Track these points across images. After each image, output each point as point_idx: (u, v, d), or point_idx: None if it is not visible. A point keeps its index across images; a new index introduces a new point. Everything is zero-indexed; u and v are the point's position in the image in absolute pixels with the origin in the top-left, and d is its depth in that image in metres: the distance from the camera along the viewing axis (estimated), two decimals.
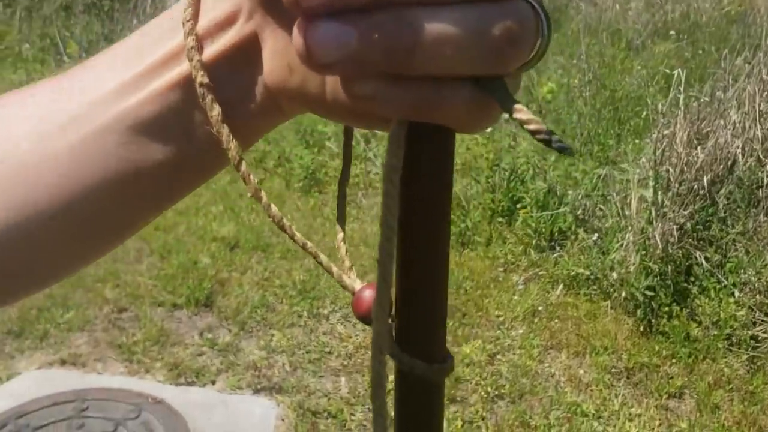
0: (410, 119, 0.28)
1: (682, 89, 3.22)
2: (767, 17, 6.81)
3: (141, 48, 0.34)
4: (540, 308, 3.01)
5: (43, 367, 2.61)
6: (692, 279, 2.96)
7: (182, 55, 0.33)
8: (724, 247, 3.00)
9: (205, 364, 2.63)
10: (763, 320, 2.76)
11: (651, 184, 3.08)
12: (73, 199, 0.35)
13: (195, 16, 0.32)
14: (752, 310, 2.79)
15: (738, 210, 3.15)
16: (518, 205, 3.58)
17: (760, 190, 3.15)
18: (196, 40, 0.32)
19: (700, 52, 6.54)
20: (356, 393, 2.49)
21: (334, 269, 0.40)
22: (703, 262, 2.93)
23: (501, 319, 2.95)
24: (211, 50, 0.32)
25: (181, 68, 0.33)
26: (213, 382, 2.54)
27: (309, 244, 0.40)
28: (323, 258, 0.40)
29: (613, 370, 2.65)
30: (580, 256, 3.25)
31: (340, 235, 0.40)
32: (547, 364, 2.68)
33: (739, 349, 2.73)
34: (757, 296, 2.83)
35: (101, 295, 3.00)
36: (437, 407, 0.37)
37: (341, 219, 0.40)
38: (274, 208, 0.36)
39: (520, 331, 2.86)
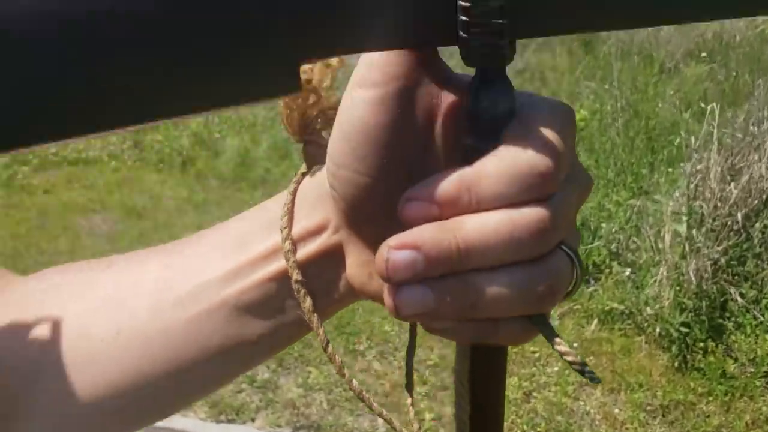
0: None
1: (716, 124, 3.23)
2: None
3: (243, 240, 0.40)
4: (575, 344, 3.03)
5: None
6: (727, 315, 2.96)
7: (279, 254, 0.38)
8: (759, 282, 2.99)
9: (244, 401, 2.68)
10: None
11: (685, 219, 3.09)
12: (179, 370, 0.40)
13: (290, 224, 0.38)
14: None
15: None
16: None
17: None
18: (292, 243, 0.37)
19: (734, 74, 6.51)
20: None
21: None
22: (738, 298, 2.93)
23: (537, 355, 2.98)
24: (303, 252, 0.38)
25: (279, 264, 0.38)
26: (253, 420, 2.60)
27: (384, 412, 0.45)
28: (396, 423, 0.45)
29: (648, 407, 2.66)
30: (615, 290, 3.26)
31: (410, 400, 0.45)
32: (582, 401, 2.70)
33: None
34: None
35: None
36: None
37: (409, 387, 0.45)
38: (355, 382, 0.41)
39: (556, 368, 2.88)
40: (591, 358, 2.95)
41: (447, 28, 0.28)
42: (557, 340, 0.32)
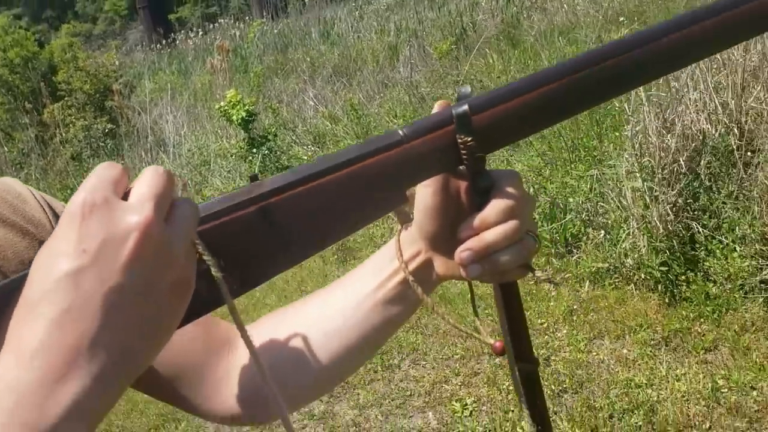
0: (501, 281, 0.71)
1: (642, 92, 3.67)
2: None
3: (378, 267, 0.76)
4: (575, 307, 3.42)
5: None
6: (697, 246, 3.37)
7: (401, 271, 0.75)
8: (716, 211, 3.41)
9: None
10: (766, 265, 3.16)
11: (638, 175, 3.51)
12: (367, 336, 0.77)
13: (401, 255, 0.75)
14: (754, 258, 3.19)
15: (720, 175, 3.57)
16: (540, 216, 4.01)
17: (734, 152, 3.57)
18: (406, 265, 0.74)
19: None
20: (443, 422, 2.89)
21: (476, 334, 0.82)
22: (702, 229, 3.35)
23: (545, 325, 3.36)
24: (412, 266, 0.75)
25: (402, 276, 0.75)
26: None
27: (456, 324, 0.82)
28: (464, 328, 0.82)
29: (652, 342, 3.04)
30: (596, 252, 3.67)
31: (477, 321, 0.82)
32: (594, 353, 3.08)
33: (753, 294, 3.12)
34: (756, 245, 3.22)
35: None
36: (540, 388, 0.77)
37: (474, 307, 0.82)
38: (437, 308, 0.79)
39: (564, 331, 3.27)
40: (592, 314, 3.34)
41: (455, 163, 0.65)
42: (537, 272, 0.70)
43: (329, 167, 0.59)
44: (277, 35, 13.37)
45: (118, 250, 0.45)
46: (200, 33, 18.18)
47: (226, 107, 5.86)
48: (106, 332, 0.45)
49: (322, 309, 0.78)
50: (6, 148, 8.23)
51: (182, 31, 21.14)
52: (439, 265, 0.72)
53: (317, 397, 0.85)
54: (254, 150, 6.02)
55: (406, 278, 0.73)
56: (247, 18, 19.72)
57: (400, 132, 0.61)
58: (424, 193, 0.67)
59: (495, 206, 0.63)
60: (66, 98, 7.69)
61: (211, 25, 19.25)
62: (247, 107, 5.82)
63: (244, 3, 33.13)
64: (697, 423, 2.52)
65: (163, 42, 18.56)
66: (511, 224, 0.63)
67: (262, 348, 0.78)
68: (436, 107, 0.63)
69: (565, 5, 10.36)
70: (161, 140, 7.16)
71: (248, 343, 0.59)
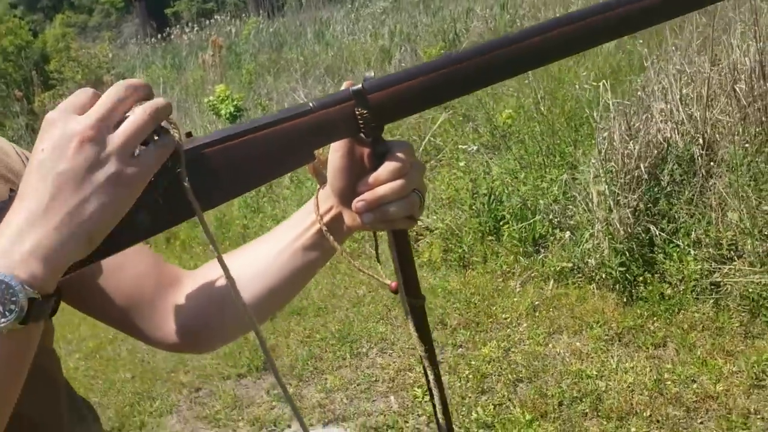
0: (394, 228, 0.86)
1: (609, 97, 3.84)
2: None
3: (298, 221, 0.91)
4: (537, 303, 3.58)
5: None
6: (655, 249, 3.53)
7: (317, 223, 0.90)
8: (674, 216, 3.58)
9: (278, 414, 3.18)
10: (717, 269, 3.32)
11: (603, 180, 3.67)
12: (286, 279, 0.92)
13: (317, 209, 0.90)
14: (707, 262, 3.36)
15: (682, 182, 3.74)
16: (501, 222, 4.17)
17: (695, 161, 3.74)
18: (321, 218, 0.89)
19: (640, 41, 7.09)
20: (405, 405, 3.04)
21: (377, 276, 0.97)
22: (660, 232, 3.51)
23: (508, 320, 3.52)
24: (326, 218, 0.90)
25: (318, 227, 0.90)
26: (289, 426, 3.09)
27: (357, 264, 0.97)
28: (367, 271, 0.97)
29: (605, 338, 3.21)
30: (561, 252, 3.83)
31: (379, 266, 0.97)
32: (551, 346, 3.24)
33: (704, 296, 3.29)
34: (710, 250, 3.39)
35: (177, 381, 3.56)
36: (425, 318, 0.92)
37: (377, 254, 0.97)
38: (346, 255, 0.94)
39: (525, 325, 3.43)
40: (553, 311, 3.50)
41: (355, 131, 0.80)
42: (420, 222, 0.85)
43: (253, 127, 0.74)
44: (273, 34, 13.52)
45: (63, 149, 0.63)
46: (195, 29, 18.28)
47: (214, 101, 6.01)
48: (56, 202, 0.62)
49: (249, 256, 0.93)
50: None
51: (177, 26, 21.26)
52: (347, 217, 0.87)
53: (244, 333, 1.00)
54: None
55: (321, 229, 0.88)
56: (243, 15, 19.85)
57: (311, 104, 0.76)
58: (334, 157, 0.83)
59: (386, 167, 0.78)
60: (57, 87, 7.81)
61: (207, 21, 19.35)
62: (235, 102, 5.97)
63: (240, 0, 33.26)
64: (639, 411, 2.68)
65: (158, 36, 18.59)
66: (399, 182, 0.78)
67: (198, 290, 0.93)
68: (344, 86, 0.79)
69: (557, 15, 10.56)
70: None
71: (217, 250, 0.76)
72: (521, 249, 3.99)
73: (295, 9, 17.75)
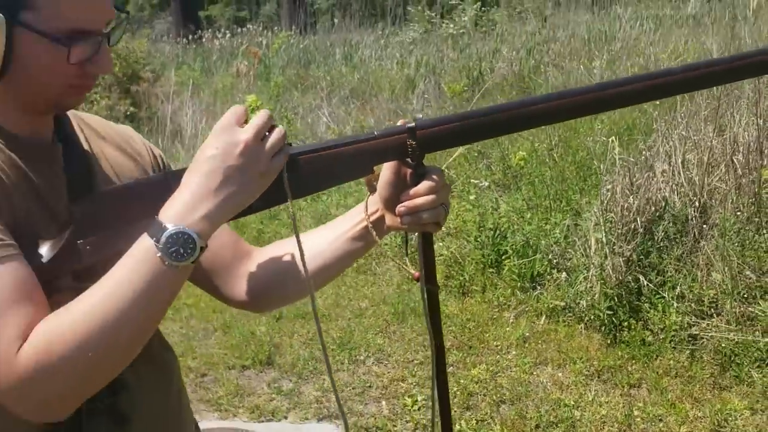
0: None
1: (617, 153, 4.13)
2: None
3: (351, 217, 1.19)
4: (528, 335, 3.84)
5: None
6: (642, 298, 3.80)
7: (365, 221, 1.17)
8: (663, 270, 3.85)
9: (276, 406, 3.44)
10: (696, 323, 3.59)
11: (602, 228, 3.95)
12: (331, 263, 1.20)
13: (366, 210, 1.18)
14: (688, 315, 3.62)
15: (674, 240, 4.01)
16: (503, 257, 4.44)
17: (688, 222, 4.02)
18: (368, 217, 1.17)
19: (657, 102, 7.38)
20: (395, 411, 3.30)
21: (405, 266, 1.24)
22: (648, 283, 3.78)
23: (499, 347, 3.78)
24: (372, 218, 1.17)
25: (365, 224, 1.17)
26: (286, 417, 3.35)
27: (393, 257, 1.25)
28: (397, 261, 1.25)
29: (586, 373, 3.47)
30: (556, 291, 4.09)
31: (407, 258, 1.24)
32: (536, 375, 3.50)
33: (681, 346, 3.55)
34: (692, 305, 3.66)
35: (185, 365, 3.82)
36: (438, 305, 1.19)
37: (406, 249, 1.24)
38: (383, 246, 1.22)
39: (514, 353, 3.69)
40: (542, 344, 3.76)
41: (404, 156, 1.09)
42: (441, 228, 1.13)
43: (333, 145, 1.03)
44: (302, 50, 13.89)
45: (231, 151, 0.92)
46: (228, 35, 18.69)
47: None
48: (223, 185, 0.91)
49: (311, 239, 1.21)
50: None
51: (209, 30, 21.70)
52: (388, 219, 1.14)
53: (299, 299, 1.27)
54: None
55: (367, 225, 1.16)
56: (276, 28, 20.30)
57: (375, 132, 1.05)
58: (386, 173, 1.10)
59: (424, 185, 1.06)
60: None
61: (239, 29, 19.78)
62: None
63: (274, 13, 33.81)
64: None
65: (190, 37, 18.92)
66: (432, 197, 1.06)
67: (266, 262, 1.21)
68: (399, 122, 1.07)
69: (581, 67, 10.86)
70: (179, 130, 7.62)
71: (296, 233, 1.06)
72: (519, 284, 4.26)
73: (327, 29, 18.15)
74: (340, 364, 3.73)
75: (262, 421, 3.33)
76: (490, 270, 4.46)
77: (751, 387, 3.22)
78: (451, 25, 16.72)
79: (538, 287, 4.22)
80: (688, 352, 3.50)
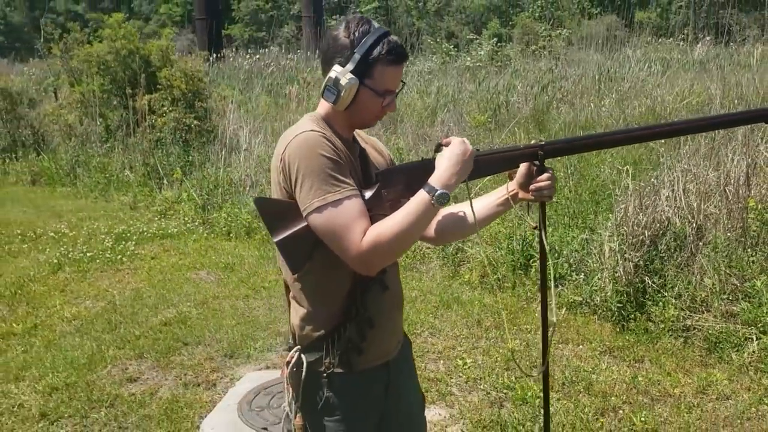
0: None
1: (629, 181, 5.06)
2: (720, 108, 8.37)
3: (497, 192, 2.08)
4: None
5: (253, 372, 4.29)
6: (647, 296, 4.70)
7: (506, 195, 2.07)
8: (664, 274, 4.75)
9: None
10: (690, 316, 4.48)
11: (616, 239, 4.86)
12: (484, 219, 2.09)
13: (507, 189, 2.07)
14: (683, 311, 4.52)
15: (674, 251, 4.92)
16: (530, 260, 5.34)
17: (686, 239, 4.93)
18: (508, 192, 2.07)
19: (663, 142, 8.27)
20: (450, 369, 4.18)
21: (528, 220, 2.14)
22: (652, 284, 4.68)
23: (529, 329, 4.67)
24: (511, 193, 2.06)
25: (506, 196, 2.06)
26: None
27: (518, 213, 2.15)
28: (521, 215, 2.14)
29: (600, 350, 4.36)
30: (575, 289, 4.99)
31: (527, 216, 2.13)
32: (560, 349, 4.39)
33: (677, 334, 4.44)
34: (687, 302, 4.56)
35: (275, 330, 4.71)
36: (545, 246, 2.08)
37: (527, 211, 2.13)
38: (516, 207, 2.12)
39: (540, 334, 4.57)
40: (564, 328, 4.65)
41: (533, 159, 1.99)
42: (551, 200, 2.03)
43: (501, 150, 1.95)
44: None
45: (464, 153, 1.81)
46: (250, 54, 19.61)
47: None
48: (460, 169, 1.80)
49: (475, 203, 2.10)
50: (97, 122, 9.60)
51: (231, 48, 22.65)
52: (521, 194, 2.03)
53: (468, 236, 2.18)
54: None
55: (507, 197, 2.05)
56: (299, 51, 21.29)
57: (520, 145, 1.96)
58: (522, 168, 2.01)
59: (544, 175, 1.95)
60: (162, 91, 9.08)
61: (260, 49, 20.72)
62: None
63: (293, 36, 34.87)
64: (618, 393, 3.82)
65: (214, 56, 19.81)
66: (548, 182, 1.95)
67: (448, 215, 2.11)
68: (533, 141, 1.98)
69: (591, 104, 11.77)
70: (236, 143, 8.53)
71: (471, 203, 1.95)
72: None
73: None
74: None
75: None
76: (519, 271, 5.36)
77: (729, 364, 4.11)
78: (468, 58, 17.75)
79: (560, 286, 5.12)
80: (682, 338, 4.40)
